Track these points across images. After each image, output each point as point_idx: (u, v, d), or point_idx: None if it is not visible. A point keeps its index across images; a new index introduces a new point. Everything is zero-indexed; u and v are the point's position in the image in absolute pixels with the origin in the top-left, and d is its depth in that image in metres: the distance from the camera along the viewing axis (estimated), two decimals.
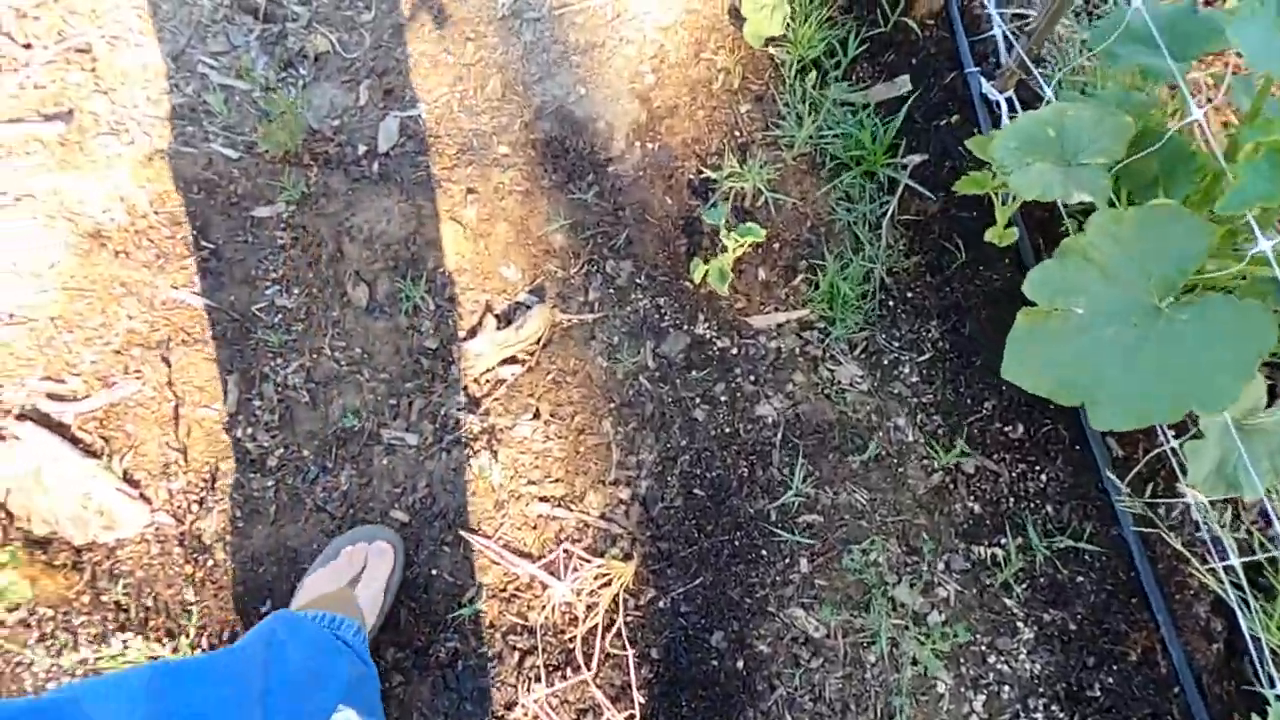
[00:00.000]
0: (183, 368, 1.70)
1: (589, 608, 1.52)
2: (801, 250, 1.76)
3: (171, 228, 1.75)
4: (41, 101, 1.81)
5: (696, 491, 1.59)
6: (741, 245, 1.63)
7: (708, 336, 1.70)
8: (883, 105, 1.82)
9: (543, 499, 1.61)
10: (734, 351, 1.69)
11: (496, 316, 1.73)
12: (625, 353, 1.73)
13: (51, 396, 1.65)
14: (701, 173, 1.80)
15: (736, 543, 1.54)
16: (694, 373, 1.69)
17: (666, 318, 1.75)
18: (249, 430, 1.63)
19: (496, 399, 1.67)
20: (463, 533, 1.54)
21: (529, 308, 1.74)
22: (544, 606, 1.54)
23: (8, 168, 1.75)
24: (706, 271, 1.68)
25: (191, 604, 1.54)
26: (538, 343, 1.71)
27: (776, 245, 1.77)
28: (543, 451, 1.67)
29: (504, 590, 1.56)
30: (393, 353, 1.70)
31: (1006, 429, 1.60)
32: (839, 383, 1.66)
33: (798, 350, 1.69)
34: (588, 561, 1.55)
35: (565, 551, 1.53)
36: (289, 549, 1.57)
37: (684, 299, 1.76)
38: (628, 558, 1.54)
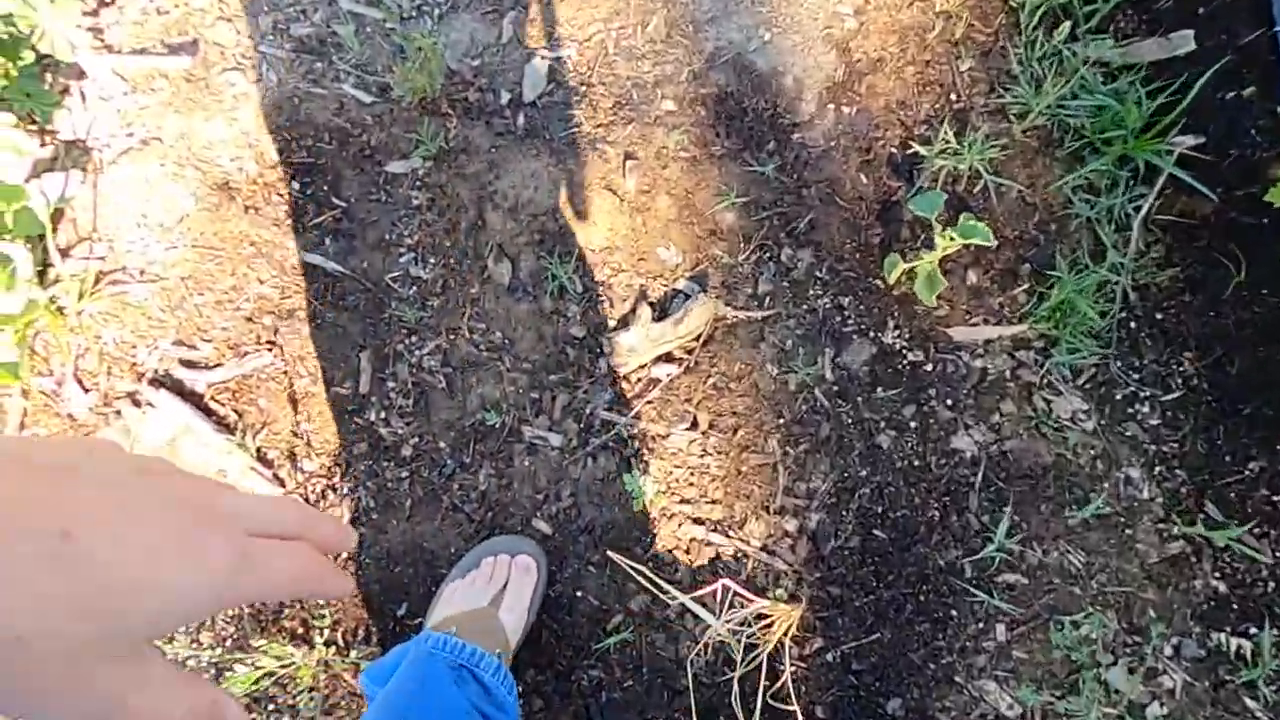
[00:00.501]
0: (315, 340, 1.51)
1: (748, 649, 1.31)
2: (1025, 251, 1.35)
3: (302, 180, 1.47)
4: (165, 29, 1.52)
5: (877, 532, 1.27)
6: (953, 245, 1.22)
7: (898, 348, 1.33)
8: (1151, 68, 1.33)
9: (697, 521, 1.41)
10: (929, 368, 1.33)
11: (652, 305, 1.40)
12: (800, 360, 1.45)
13: (184, 363, 1.47)
14: (907, 146, 1.39)
15: (922, 598, 1.22)
16: (880, 390, 1.43)
17: (850, 321, 1.47)
18: (382, 414, 1.41)
19: (649, 402, 1.45)
20: (611, 554, 1.37)
21: (689, 298, 1.40)
22: (696, 643, 1.33)
23: (133, 104, 1.48)
24: (906, 272, 1.30)
25: (323, 602, 1.35)
26: (698, 340, 1.40)
27: (993, 244, 1.35)
28: (699, 467, 1.44)
29: (652, 619, 1.37)
30: (536, 339, 1.41)
31: (1277, 500, 1.19)
32: (1057, 417, 1.27)
33: (1008, 373, 1.31)
34: (748, 599, 1.31)
35: (723, 585, 1.21)
36: (425, 550, 1.42)
37: (872, 300, 1.47)
38: (793, 599, 1.25)
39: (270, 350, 1.48)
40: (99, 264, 1.50)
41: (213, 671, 1.40)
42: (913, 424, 1.35)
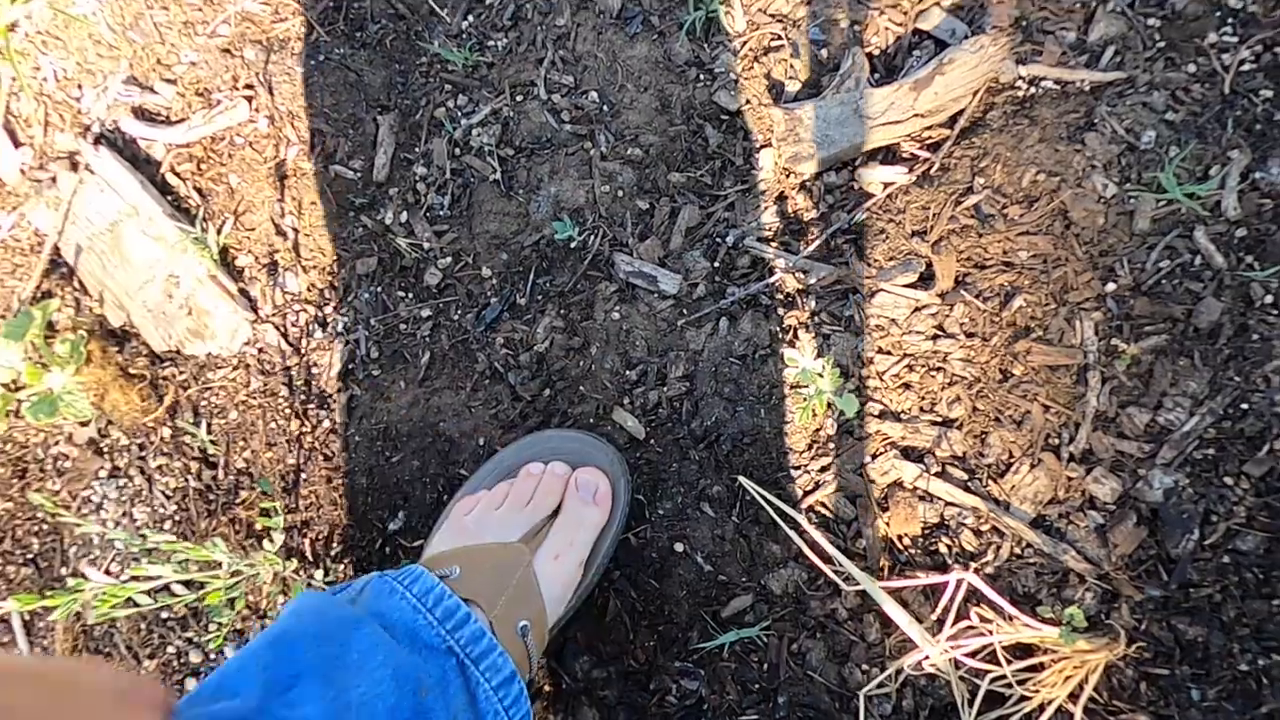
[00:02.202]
0: (316, 91, 0.84)
1: (987, 704, 0.58)
2: None
3: None
4: None
5: None
6: None
7: None
8: None
9: (912, 453, 0.67)
10: None
11: (871, 58, 0.69)
12: (1171, 170, 0.62)
13: (138, 114, 0.93)
14: None
15: None
16: None
17: None
18: (403, 216, 0.83)
19: (845, 232, 0.72)
20: (744, 482, 0.67)
21: (945, 45, 0.71)
22: (884, 670, 0.61)
23: None
24: None
25: (290, 479, 0.80)
26: (952, 124, 0.70)
27: None
28: (928, 358, 0.68)
29: (804, 612, 0.67)
30: (655, 108, 0.78)
31: None
32: None
33: None
34: (1001, 613, 0.59)
35: (957, 580, 0.60)
36: (440, 434, 0.77)
37: None
38: (1097, 630, 0.60)
39: (251, 102, 0.86)
40: None
41: (143, 562, 0.67)
42: None
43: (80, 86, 0.87)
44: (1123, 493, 0.58)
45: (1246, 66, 0.60)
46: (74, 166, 0.87)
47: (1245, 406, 0.57)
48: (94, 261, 0.85)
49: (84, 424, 0.84)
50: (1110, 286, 0.61)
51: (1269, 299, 0.58)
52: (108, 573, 0.81)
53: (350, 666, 0.47)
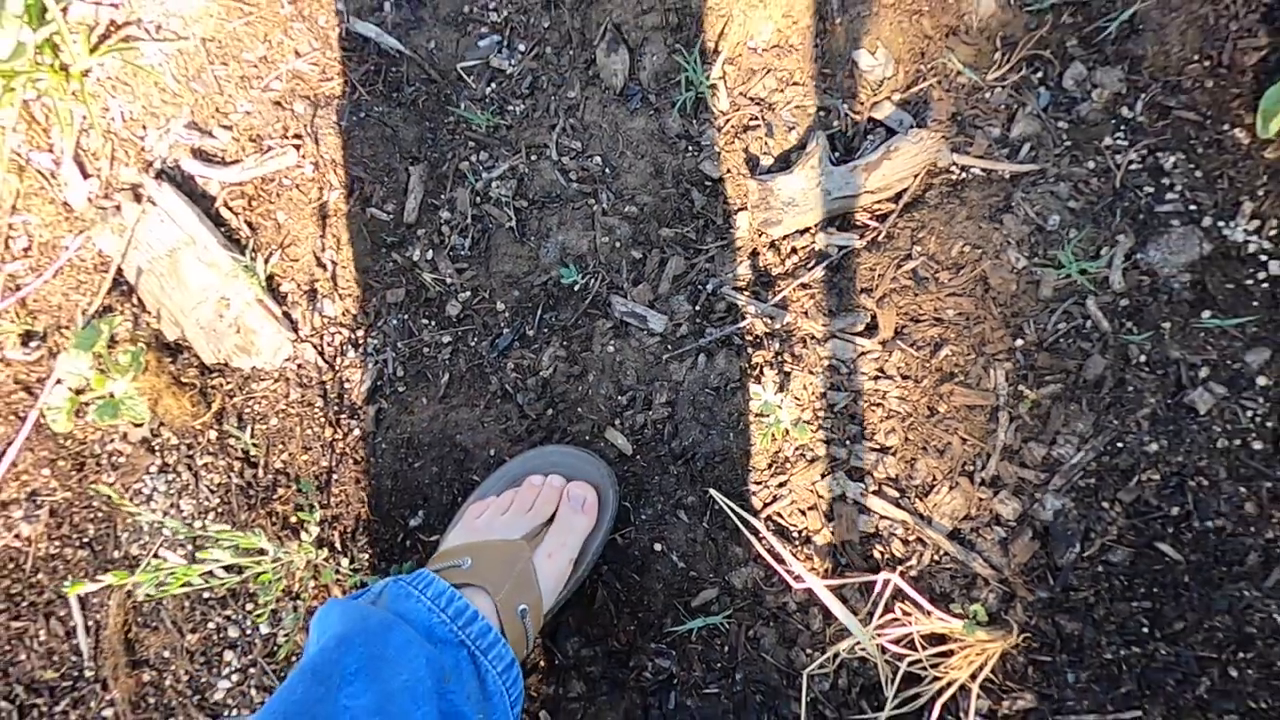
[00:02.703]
0: (356, 143, 0.97)
1: (906, 683, 0.72)
2: None
3: None
4: None
5: (1164, 548, 0.66)
6: None
7: (1253, 250, 0.67)
8: None
9: (854, 473, 0.81)
10: None
11: (833, 140, 0.70)
12: (1069, 249, 0.78)
13: (197, 154, 1.05)
14: None
15: (1234, 670, 0.66)
16: (1207, 316, 0.75)
17: (1172, 196, 0.78)
18: (429, 254, 0.98)
19: (806, 286, 0.86)
20: (715, 495, 0.80)
21: (895, 133, 0.85)
22: (824, 653, 0.75)
23: None
24: None
25: (324, 479, 0.93)
26: (897, 200, 0.85)
27: None
28: (871, 394, 0.82)
29: (760, 605, 0.81)
30: (650, 174, 0.86)
31: None
32: None
33: None
34: (920, 608, 0.72)
35: (884, 580, 0.74)
36: (457, 445, 0.91)
37: (1221, 164, 0.76)
38: (995, 623, 0.71)
39: (299, 149, 0.82)
40: (110, 11, 1.04)
41: (189, 548, 0.81)
42: (1261, 381, 0.64)
43: (145, 127, 1.02)
44: (1022, 512, 0.74)
45: (1134, 166, 0.77)
46: (137, 198, 1.02)
47: (1120, 445, 0.74)
48: (153, 282, 0.99)
49: (138, 425, 0.99)
50: (1019, 342, 0.77)
51: (1143, 358, 0.74)
52: (156, 557, 0.96)
53: (390, 660, 0.57)
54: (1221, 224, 0.71)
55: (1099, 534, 0.69)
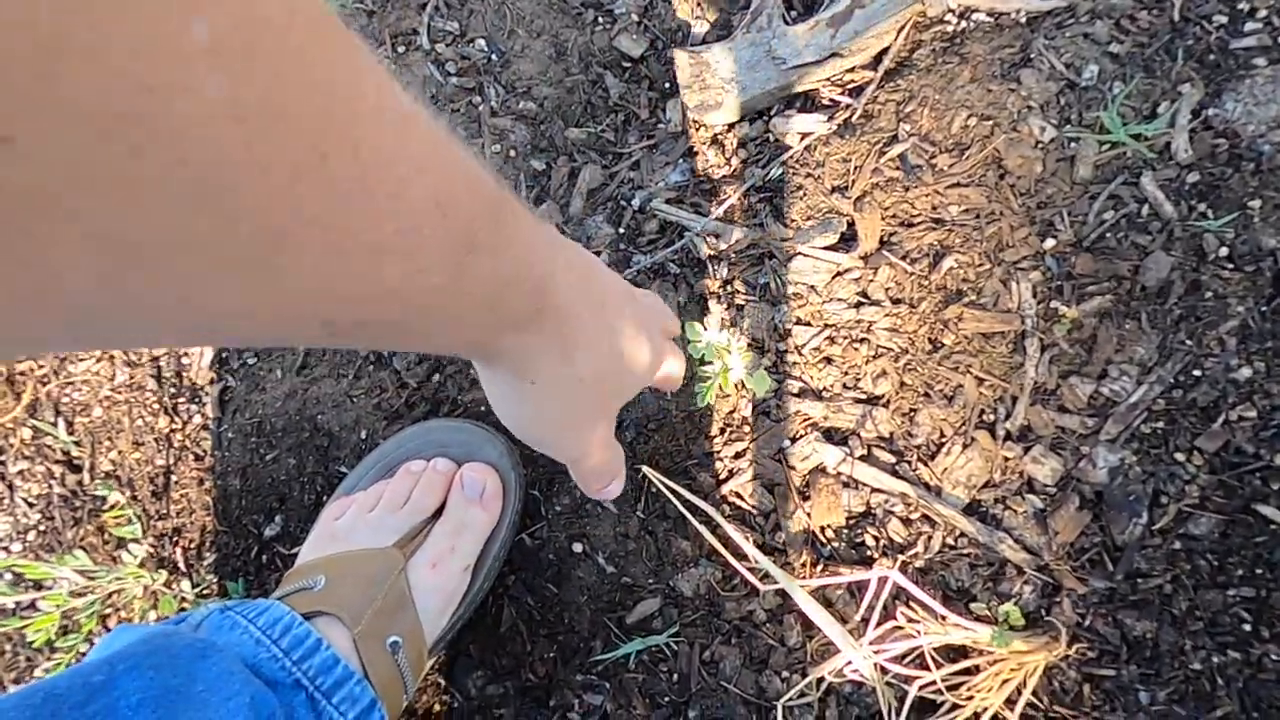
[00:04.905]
0: None
1: (917, 711, 0.51)
2: None
3: None
4: None
5: (1266, 511, 0.53)
6: None
7: None
8: None
9: (834, 435, 0.61)
10: None
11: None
12: (1115, 109, 0.54)
13: None
14: None
15: None
16: None
17: (1253, 26, 0.54)
18: None
19: (760, 189, 0.65)
20: (649, 472, 0.56)
21: None
22: (809, 679, 0.55)
23: None
24: None
25: (160, 481, 0.73)
26: (875, 65, 0.64)
27: None
28: (850, 327, 0.61)
29: (721, 618, 0.60)
30: (550, 56, 0.72)
31: None
32: None
33: None
34: (931, 612, 0.52)
35: (880, 578, 0.55)
36: (319, 428, 0.70)
37: None
38: (1034, 627, 0.55)
39: None
40: None
41: (8, 578, 0.59)
42: None
43: None
44: (1064, 474, 0.52)
45: (1178, 6, 0.53)
46: None
47: (1198, 373, 0.50)
48: None
49: None
50: (1049, 243, 0.54)
51: (1224, 251, 0.51)
52: None
53: (194, 698, 0.41)
54: None
55: (1174, 498, 0.46)
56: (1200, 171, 0.54)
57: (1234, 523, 0.50)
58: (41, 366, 0.75)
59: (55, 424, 0.73)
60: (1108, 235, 0.55)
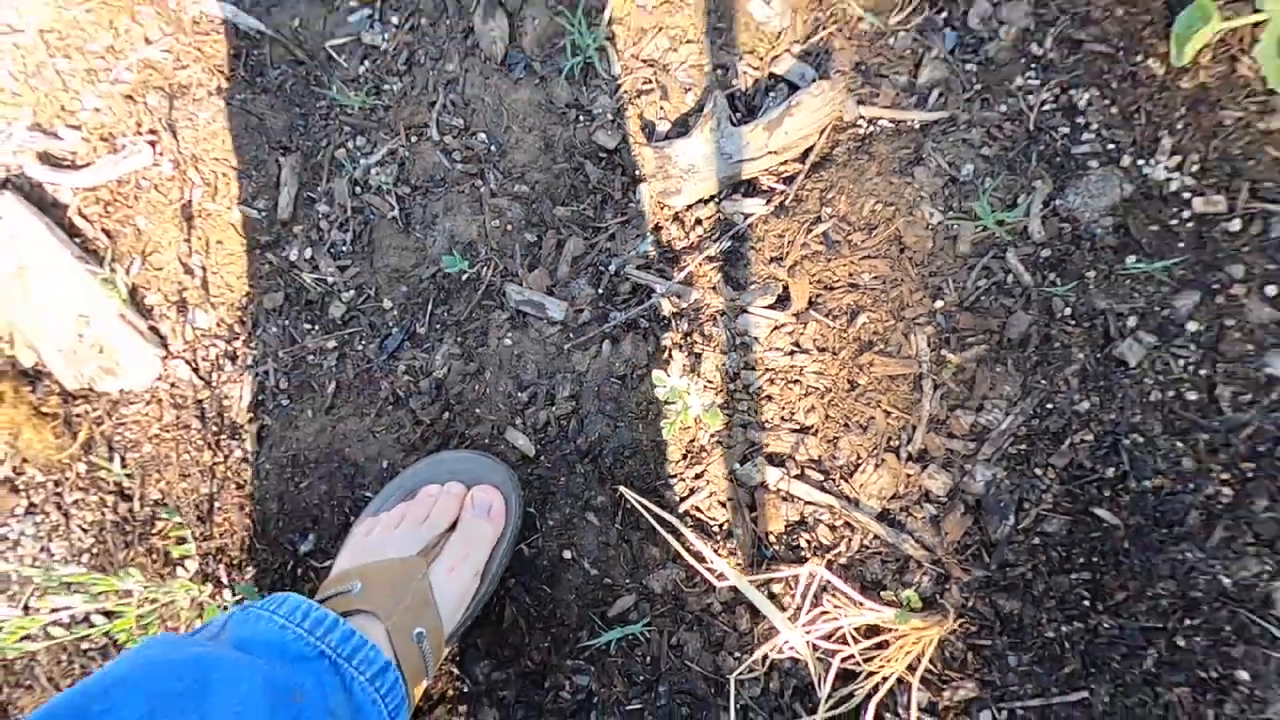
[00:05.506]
0: (219, 135, 0.90)
1: (840, 681, 0.68)
2: None
3: None
4: None
5: (1101, 513, 0.70)
6: None
7: (1176, 187, 0.72)
8: None
9: (775, 458, 0.76)
10: (1235, 228, 0.71)
11: (732, 100, 0.80)
12: (985, 199, 0.73)
13: (44, 158, 0.95)
14: None
15: (1181, 639, 0.67)
16: (1132, 262, 0.71)
17: (1088, 136, 0.73)
18: (307, 251, 0.90)
19: (712, 259, 0.80)
20: (625, 492, 0.74)
21: (796, 88, 0.80)
22: (755, 656, 0.70)
23: None
24: (1217, 39, 0.66)
25: (205, 507, 0.86)
26: (804, 159, 0.80)
27: None
28: (786, 371, 0.77)
29: (682, 609, 0.75)
30: (539, 148, 0.86)
31: None
32: None
33: None
34: (850, 599, 0.68)
35: (810, 573, 0.70)
36: (346, 460, 0.84)
37: (1137, 98, 0.72)
38: (930, 609, 0.71)
39: (155, 146, 0.86)
40: None
41: (58, 594, 0.74)
42: (1192, 326, 0.65)
43: None
44: (952, 486, 0.69)
45: (1047, 106, 0.72)
46: None
47: (1050, 406, 0.68)
48: (3, 305, 0.90)
49: None
50: (939, 304, 0.72)
51: (1069, 311, 0.69)
52: (26, 609, 0.87)
53: (213, 692, 0.48)
54: (1141, 162, 0.66)
55: (1033, 503, 0.64)
56: (1050, 249, 0.73)
57: (1077, 522, 0.68)
58: (96, 409, 0.90)
59: (110, 459, 0.88)
60: (982, 298, 0.73)
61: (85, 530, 0.86)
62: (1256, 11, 0.61)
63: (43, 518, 0.87)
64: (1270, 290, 0.63)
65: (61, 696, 0.45)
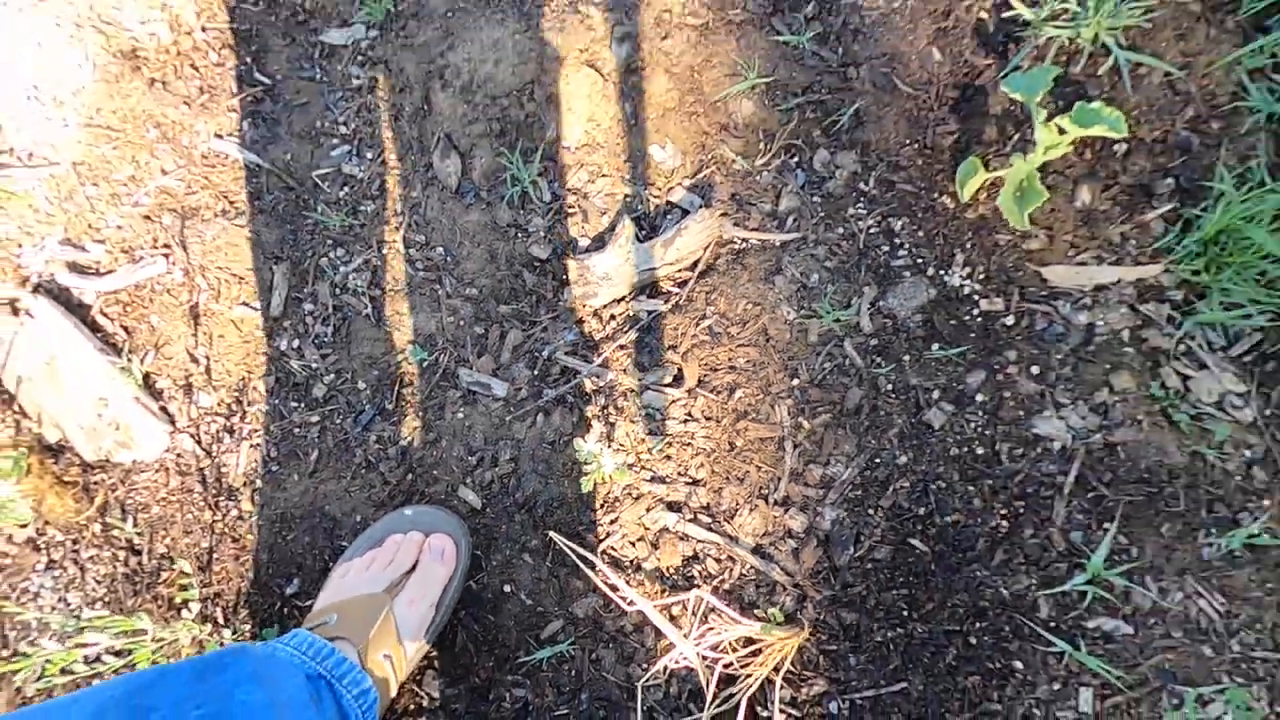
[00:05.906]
0: (222, 248, 1.11)
1: (724, 683, 0.87)
2: (1168, 159, 0.77)
3: (221, 52, 1.03)
4: None
5: (915, 543, 0.83)
6: (1062, 143, 0.64)
7: (967, 291, 0.86)
8: None
9: (672, 506, 0.96)
10: (1009, 322, 0.86)
11: (638, 221, 0.90)
12: (827, 301, 0.97)
13: (72, 267, 1.15)
14: (1005, 8, 0.73)
15: (972, 639, 0.79)
16: (935, 349, 0.94)
17: (902, 252, 0.97)
18: (295, 343, 1.10)
19: (623, 347, 1.02)
20: (554, 536, 0.94)
21: (687, 213, 0.99)
22: (658, 666, 0.89)
23: None
24: (988, 186, 0.90)
25: (205, 559, 1.03)
26: (693, 269, 1.02)
27: (1120, 148, 0.76)
28: (681, 436, 0.98)
29: (600, 630, 0.94)
30: (486, 259, 1.04)
31: None
32: (1197, 401, 0.74)
33: (1127, 334, 0.83)
34: (729, 617, 0.88)
35: (698, 596, 0.79)
36: (326, 515, 1.02)
37: (935, 225, 0.96)
38: (791, 622, 0.85)
39: (168, 258, 0.96)
40: None
41: (82, 634, 0.92)
42: (979, 397, 0.80)
43: (20, 245, 1.15)
44: (808, 524, 0.93)
45: (873, 230, 0.99)
46: (15, 311, 1.14)
47: (878, 460, 0.93)
48: (33, 389, 1.11)
49: (23, 526, 1.09)
50: (795, 381, 0.97)
51: (890, 386, 0.95)
52: (33, 645, 1.05)
53: (275, 678, 0.70)
54: (942, 272, 0.93)
55: (867, 536, 0.88)
56: (876, 339, 0.99)
57: (898, 550, 0.93)
58: (112, 477, 1.11)
59: (123, 519, 1.09)
60: (827, 377, 0.99)
61: (99, 582, 1.06)
62: (1007, 168, 0.89)
63: (60, 571, 1.06)
64: (1035, 369, 0.90)
65: (183, 662, 0.67)
